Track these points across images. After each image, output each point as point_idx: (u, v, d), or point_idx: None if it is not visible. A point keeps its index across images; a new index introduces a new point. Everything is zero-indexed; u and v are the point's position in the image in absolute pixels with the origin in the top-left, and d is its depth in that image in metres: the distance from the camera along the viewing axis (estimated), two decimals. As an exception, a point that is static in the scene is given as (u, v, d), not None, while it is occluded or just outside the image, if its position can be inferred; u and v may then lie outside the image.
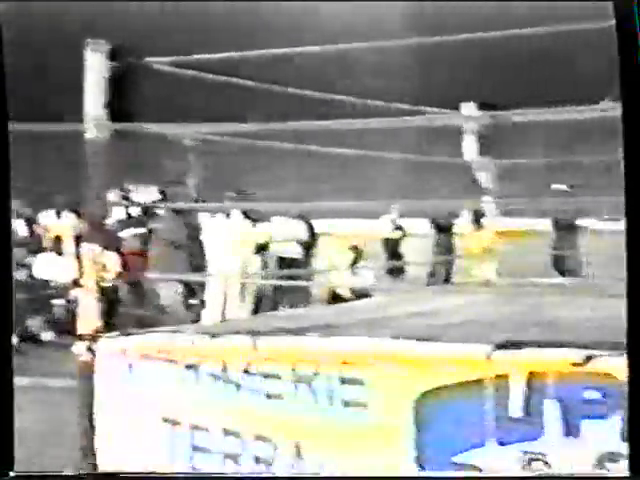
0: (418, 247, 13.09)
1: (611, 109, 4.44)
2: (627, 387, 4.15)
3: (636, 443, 4.13)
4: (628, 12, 4.14)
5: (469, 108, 7.77)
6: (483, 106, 7.42)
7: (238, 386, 5.12)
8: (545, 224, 13.31)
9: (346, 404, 4.87)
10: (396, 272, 13.05)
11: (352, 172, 14.28)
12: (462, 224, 12.29)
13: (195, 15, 13.62)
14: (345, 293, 11.00)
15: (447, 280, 12.04)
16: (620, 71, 4.22)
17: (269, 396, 5.04)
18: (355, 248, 11.88)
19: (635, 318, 4.15)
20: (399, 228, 14.16)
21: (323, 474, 4.91)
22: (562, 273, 11.73)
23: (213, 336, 5.28)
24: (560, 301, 6.75)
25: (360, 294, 9.95)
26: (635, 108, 4.16)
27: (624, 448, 4.31)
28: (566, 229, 12.65)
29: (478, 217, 11.79)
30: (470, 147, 8.53)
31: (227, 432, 5.15)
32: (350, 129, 6.09)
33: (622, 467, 4.34)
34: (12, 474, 4.78)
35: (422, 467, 4.69)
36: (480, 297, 7.41)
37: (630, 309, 4.17)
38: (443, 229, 13.04)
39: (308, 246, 11.89)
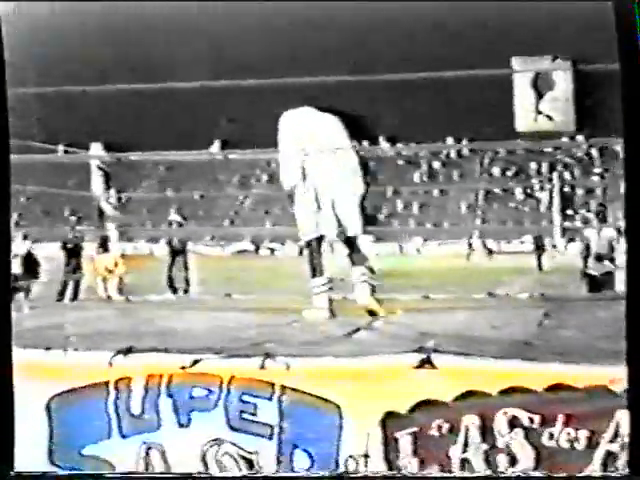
0: (49, 267, 12.94)
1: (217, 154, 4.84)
2: (630, 391, 4.22)
3: (636, 443, 4.19)
4: (628, 12, 4.02)
5: (96, 148, 7.95)
6: (108, 146, 7.63)
7: None
8: (162, 248, 13.77)
9: None
10: (25, 290, 12.79)
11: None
12: (90, 247, 12.43)
13: None
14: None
15: (75, 297, 12.02)
16: (621, 75, 4.11)
17: None
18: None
19: (634, 327, 4.20)
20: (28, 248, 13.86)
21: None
22: (174, 290, 12.23)
23: None
24: (171, 314, 7.20)
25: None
26: (635, 110, 4.09)
27: (228, 435, 4.71)
28: (179, 253, 13.14)
29: (104, 242, 12.06)
30: (97, 181, 8.71)
31: None
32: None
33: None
34: (12, 474, 4.66)
35: (52, 460, 4.84)
36: (103, 312, 7.61)
37: (629, 319, 4.22)
38: (73, 252, 12.98)
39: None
